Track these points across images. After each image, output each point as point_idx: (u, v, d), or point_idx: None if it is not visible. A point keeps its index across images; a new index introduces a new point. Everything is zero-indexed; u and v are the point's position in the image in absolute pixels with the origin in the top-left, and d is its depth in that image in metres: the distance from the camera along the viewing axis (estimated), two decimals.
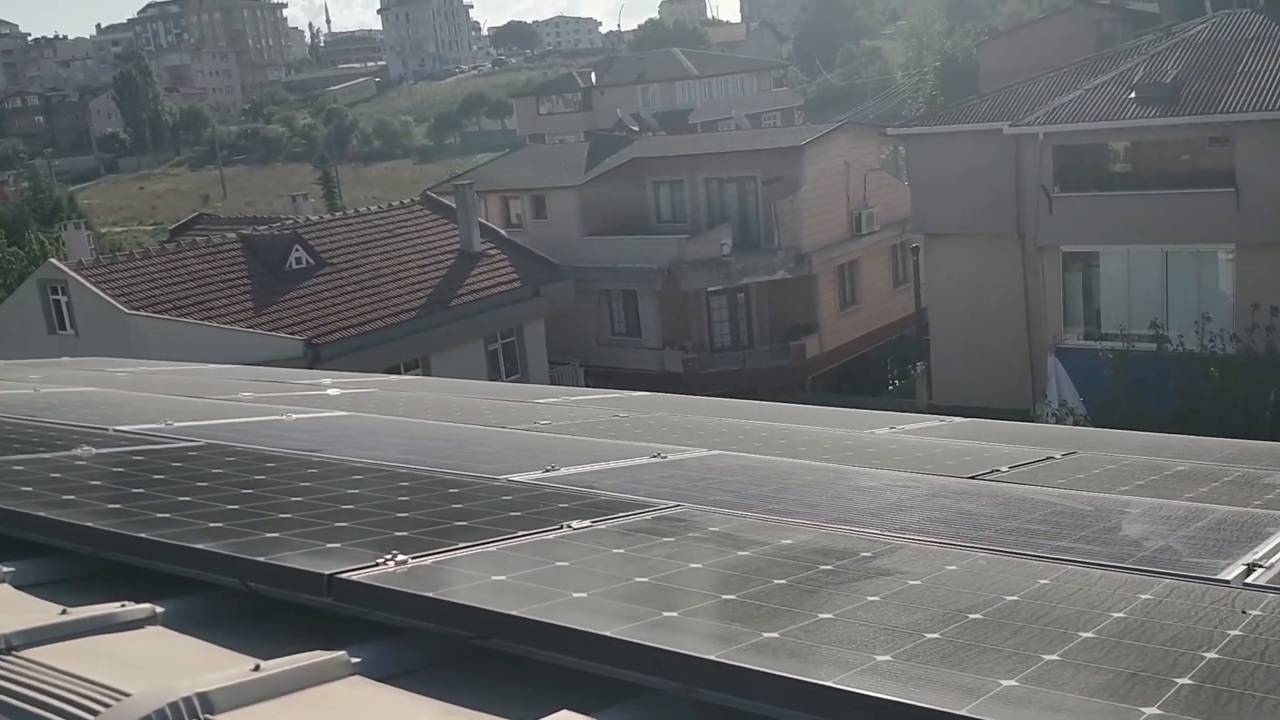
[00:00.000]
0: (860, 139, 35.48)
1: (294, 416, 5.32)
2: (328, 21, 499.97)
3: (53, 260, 27.44)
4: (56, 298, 25.94)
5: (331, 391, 6.86)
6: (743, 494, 3.45)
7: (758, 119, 61.76)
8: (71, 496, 3.05)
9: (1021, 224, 26.36)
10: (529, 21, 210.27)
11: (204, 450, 4.09)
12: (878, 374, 36.25)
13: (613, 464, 3.92)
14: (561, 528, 2.76)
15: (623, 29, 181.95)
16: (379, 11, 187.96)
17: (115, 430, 4.56)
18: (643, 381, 33.61)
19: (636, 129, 47.26)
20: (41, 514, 2.80)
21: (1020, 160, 25.94)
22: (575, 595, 2.15)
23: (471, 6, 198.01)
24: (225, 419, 5.14)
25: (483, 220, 32.61)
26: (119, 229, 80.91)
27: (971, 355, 27.35)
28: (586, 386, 32.69)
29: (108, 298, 24.99)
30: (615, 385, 33.76)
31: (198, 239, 30.39)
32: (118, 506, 2.95)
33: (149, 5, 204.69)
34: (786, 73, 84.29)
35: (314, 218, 32.78)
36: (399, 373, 27.67)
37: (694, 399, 6.94)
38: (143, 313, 24.96)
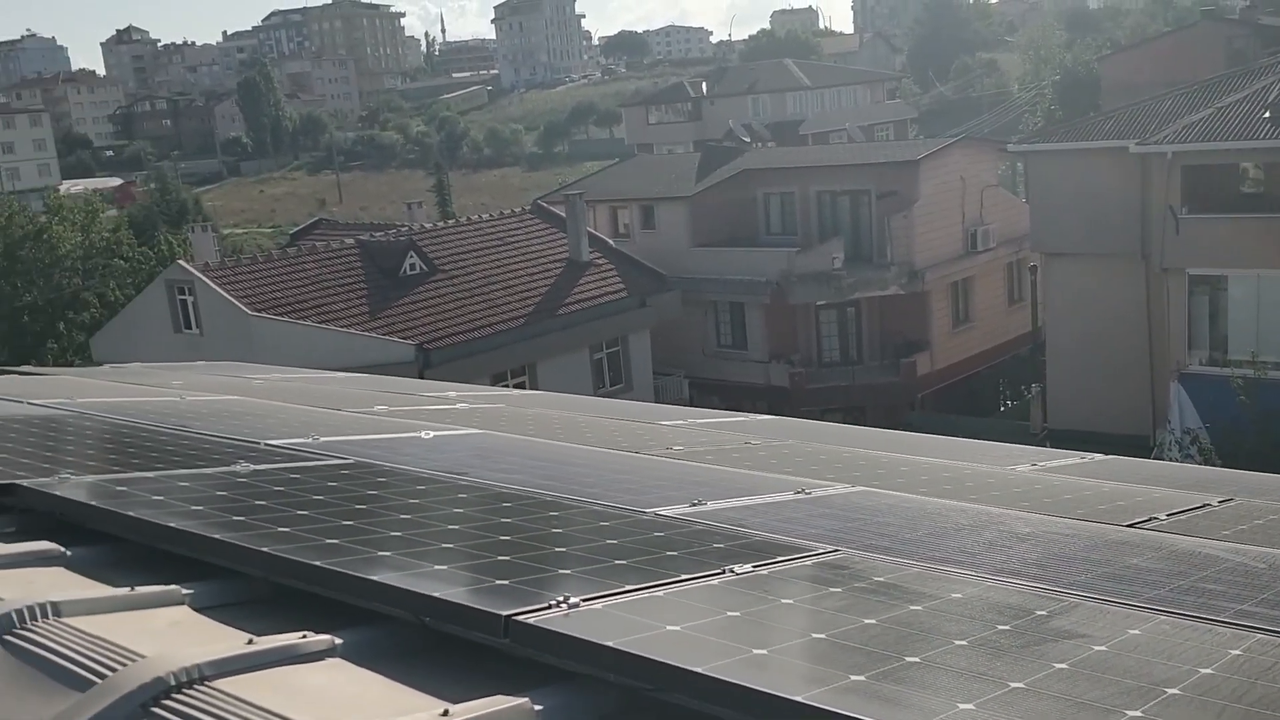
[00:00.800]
0: (977, 154, 34.87)
1: (431, 434, 5.40)
2: (443, 31, 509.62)
3: (180, 262, 28.39)
4: (183, 297, 26.83)
5: (460, 406, 6.95)
6: (898, 538, 3.39)
7: (870, 131, 61.13)
8: (241, 518, 3.12)
9: (1146, 245, 25.60)
10: (640, 31, 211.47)
11: (355, 469, 4.17)
12: (989, 394, 35.57)
13: (757, 499, 3.89)
14: (724, 572, 2.73)
15: (734, 38, 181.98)
16: (493, 21, 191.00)
17: (266, 445, 4.67)
18: (748, 395, 33.52)
19: (748, 140, 47.10)
20: (218, 536, 2.86)
21: (1146, 180, 25.20)
22: (756, 652, 2.12)
23: (584, 16, 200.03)
24: (367, 434, 5.23)
25: (591, 230, 32.84)
26: (240, 231, 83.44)
27: (1089, 378, 26.65)
28: (691, 398, 32.66)
29: (232, 299, 25.76)
30: (720, 398, 33.68)
31: (317, 244, 31.15)
32: (287, 530, 3.01)
33: (273, 14, 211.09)
34: (900, 85, 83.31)
35: (428, 225, 33.36)
36: (505, 379, 28.04)
37: (823, 425, 6.86)
38: (264, 314, 25.67)
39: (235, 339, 25.57)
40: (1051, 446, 25.12)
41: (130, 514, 3.08)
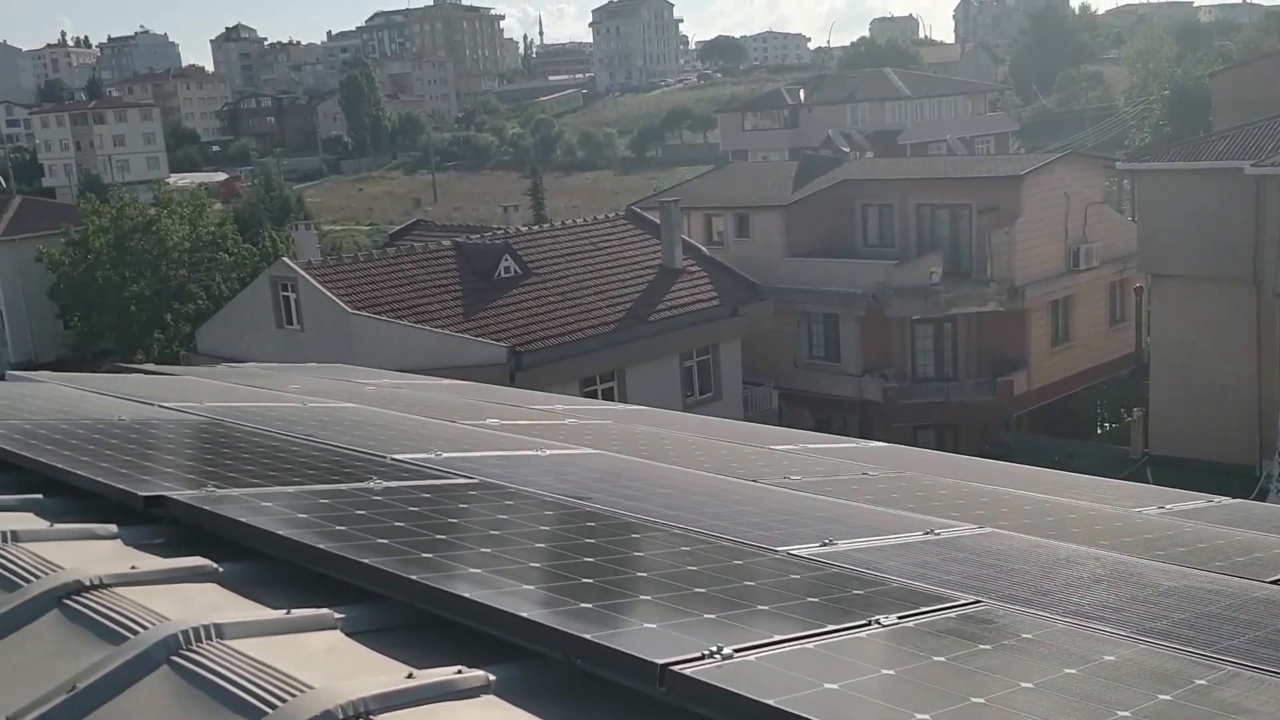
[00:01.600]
0: (1083, 170, 34.13)
1: (547, 452, 5.44)
2: (540, 33, 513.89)
3: (284, 259, 29.05)
4: (286, 294, 27.44)
5: (569, 422, 6.99)
6: (1037, 588, 3.32)
7: (970, 143, 60.22)
8: (385, 540, 3.18)
9: (1258, 270, 24.83)
10: (737, 36, 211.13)
11: (481, 490, 4.22)
12: (1087, 416, 34.80)
13: (887, 539, 3.85)
14: (870, 624, 2.71)
15: (832, 45, 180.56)
16: (590, 24, 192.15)
17: (392, 459, 4.75)
18: (840, 408, 33.25)
19: (846, 149, 46.72)
20: (367, 561, 2.92)
21: (1261, 202, 24.43)
22: (919, 717, 2.09)
23: (681, 21, 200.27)
24: (485, 450, 5.29)
25: (685, 237, 32.84)
26: (338, 228, 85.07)
27: (1193, 404, 25.91)
28: (781, 410, 32.48)
29: (332, 296, 26.28)
30: (810, 410, 33.47)
31: (415, 245, 31.63)
32: (430, 556, 3.06)
33: (376, 14, 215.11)
34: (1001, 96, 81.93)
35: (523, 228, 33.68)
36: (595, 384, 28.16)
37: (937, 456, 6.76)
38: (363, 313, 26.14)
39: (334, 336, 26.10)
40: (1152, 472, 24.49)
41: (281, 534, 3.15)
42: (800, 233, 33.56)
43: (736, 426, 7.54)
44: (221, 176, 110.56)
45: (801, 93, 72.39)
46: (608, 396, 28.12)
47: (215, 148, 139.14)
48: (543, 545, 3.36)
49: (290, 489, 3.89)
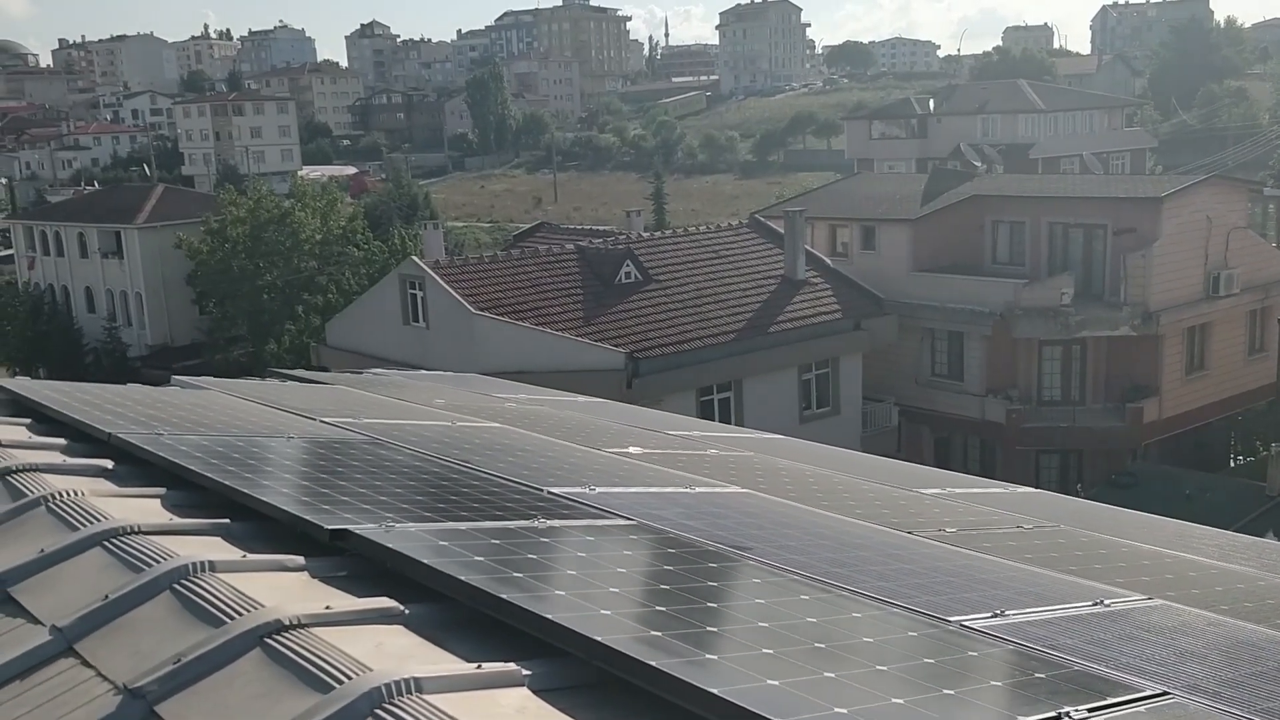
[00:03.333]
0: (1226, 193, 32.91)
1: (697, 489, 5.47)
2: (666, 35, 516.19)
3: (414, 258, 29.68)
4: (414, 292, 28.03)
5: (711, 453, 7.01)
6: (1224, 678, 3.23)
7: (1105, 159, 58.57)
8: (562, 592, 3.23)
9: None
10: (865, 42, 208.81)
11: (640, 534, 4.26)
12: (1218, 448, 33.55)
13: (1057, 610, 3.77)
14: (1060, 718, 2.66)
15: (962, 53, 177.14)
16: (717, 27, 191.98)
17: (549, 493, 4.83)
18: (961, 428, 32.65)
19: (977, 163, 45.83)
20: (551, 618, 2.97)
21: None
22: None
23: (808, 25, 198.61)
24: (636, 486, 5.33)
25: (809, 247, 32.57)
26: (460, 224, 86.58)
27: None
28: (900, 427, 32.01)
29: (458, 297, 26.75)
30: (930, 429, 32.93)
31: (538, 247, 32.01)
32: (609, 614, 3.08)
33: (505, 14, 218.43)
34: (1139, 111, 79.44)
35: (645, 234, 33.83)
36: (711, 393, 28.09)
37: (1088, 506, 6.61)
38: (486, 314, 26.55)
39: (458, 335, 26.58)
40: None
41: (463, 579, 3.23)
42: (927, 247, 33.03)
43: (878, 464, 7.46)
44: (351, 171, 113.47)
45: (931, 102, 71.22)
46: (724, 407, 28.09)
47: (346, 142, 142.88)
48: (714, 606, 3.37)
49: (462, 525, 3.98)
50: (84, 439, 5.20)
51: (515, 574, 3.41)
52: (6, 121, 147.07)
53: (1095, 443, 31.02)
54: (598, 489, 5.06)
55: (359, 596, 3.31)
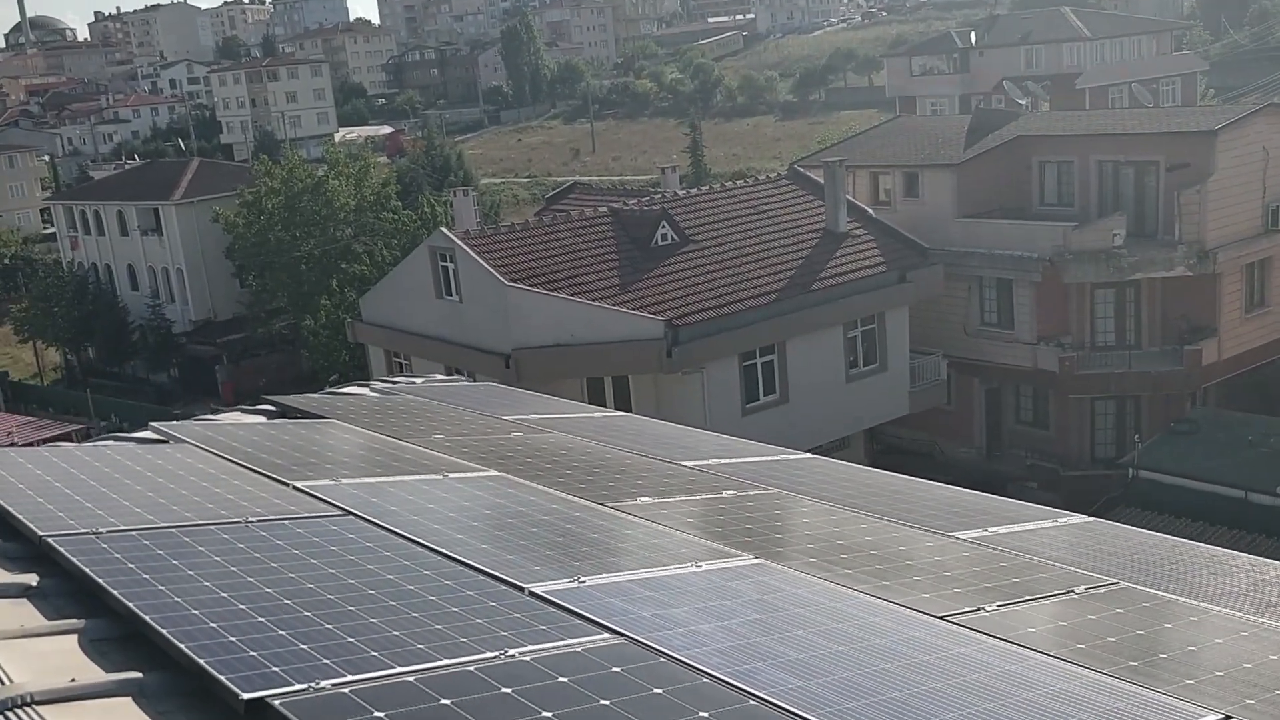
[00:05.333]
0: None
1: (703, 566, 4.86)
2: None
3: (443, 229, 29.10)
4: (445, 264, 27.48)
5: (727, 494, 6.39)
6: None
7: (1155, 88, 56.50)
8: None
9: None
10: None
11: (620, 663, 3.66)
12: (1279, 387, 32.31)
13: None
14: None
15: None
16: None
17: (531, 593, 4.25)
18: (1012, 377, 31.70)
19: (1022, 100, 44.29)
20: None
21: None
22: None
23: None
24: (629, 571, 4.75)
25: (850, 197, 31.57)
26: (497, 180, 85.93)
27: None
28: (950, 380, 31.10)
29: (490, 268, 26.17)
30: (980, 380, 32.00)
31: (570, 211, 31.32)
32: None
33: None
34: (1188, 33, 76.62)
35: (681, 192, 32.99)
36: (754, 357, 27.34)
37: (1148, 544, 5.90)
38: (520, 285, 25.96)
39: (492, 308, 26.06)
40: None
41: None
42: (973, 192, 31.90)
43: (909, 491, 6.80)
44: (387, 130, 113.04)
45: (972, 35, 68.97)
46: (767, 371, 27.42)
47: (381, 101, 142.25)
48: None
49: (410, 675, 3.40)
50: (17, 536, 4.70)
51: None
52: (47, 98, 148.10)
53: (1152, 388, 29.99)
54: (588, 581, 4.47)
55: None
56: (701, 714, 3.29)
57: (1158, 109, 41.98)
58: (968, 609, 4.48)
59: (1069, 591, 4.86)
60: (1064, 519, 6.28)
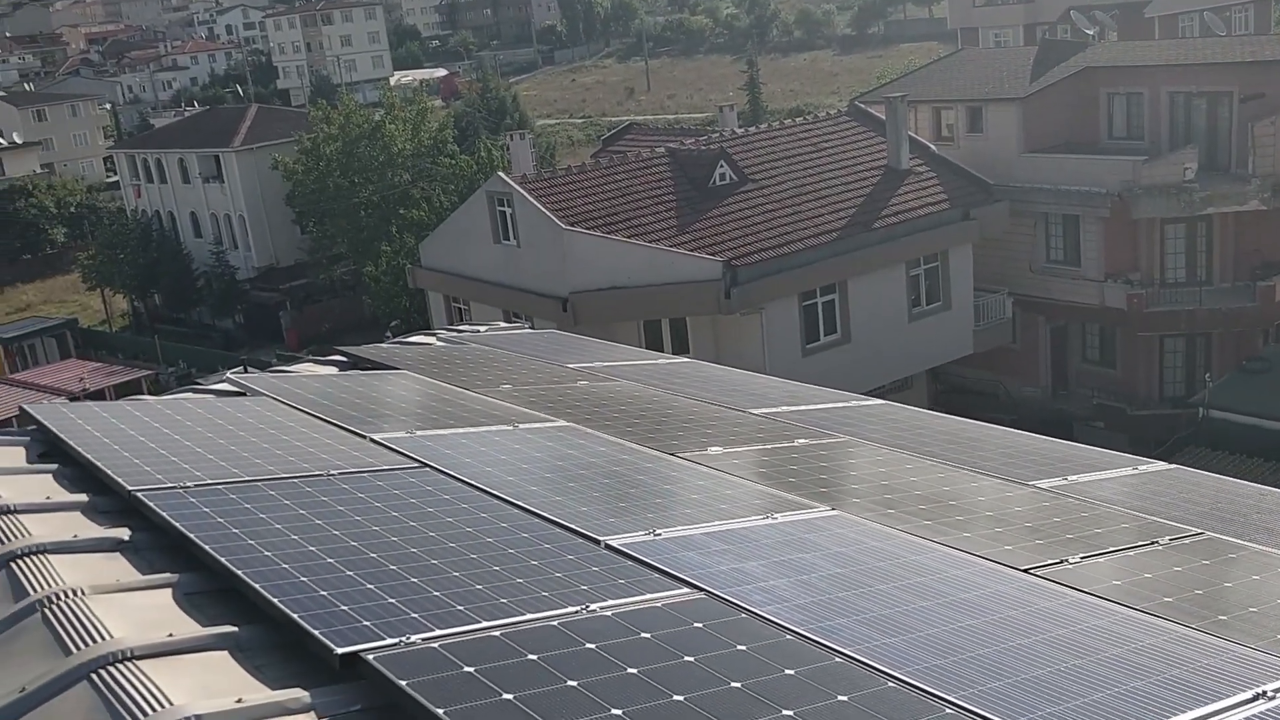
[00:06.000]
0: None
1: (779, 518, 4.85)
2: None
3: (500, 174, 29.07)
4: (502, 209, 27.50)
5: (799, 443, 6.36)
6: None
7: (1226, 14, 54.56)
8: None
9: None
10: None
11: (705, 618, 3.67)
12: None
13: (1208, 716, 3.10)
14: None
15: None
16: None
17: (607, 545, 4.27)
18: (1078, 315, 31.17)
19: (1089, 31, 43.05)
20: None
21: None
22: None
23: None
24: (705, 523, 4.75)
25: (912, 133, 31.02)
26: (552, 122, 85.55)
27: None
28: (1014, 318, 30.66)
29: (547, 212, 26.14)
30: (1047, 318, 31.50)
31: (627, 153, 31.13)
32: None
33: None
34: None
35: (739, 130, 32.60)
36: (814, 296, 27.11)
37: (1231, 491, 5.79)
38: (577, 228, 25.92)
39: (550, 252, 26.07)
40: None
41: None
42: (1039, 126, 31.18)
43: (984, 438, 6.72)
44: (441, 73, 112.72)
45: None
46: (828, 311, 27.21)
47: (435, 43, 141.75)
48: None
49: (496, 630, 3.44)
50: (107, 491, 4.81)
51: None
52: (107, 46, 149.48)
53: (1223, 325, 29.34)
54: (663, 534, 4.48)
55: None
56: (786, 671, 3.29)
57: (1230, 37, 40.59)
58: (1051, 561, 4.43)
59: (1153, 542, 4.79)
60: (1145, 466, 6.18)
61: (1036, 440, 6.67)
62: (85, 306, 58.81)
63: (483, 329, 10.47)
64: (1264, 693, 3.32)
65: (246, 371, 10.17)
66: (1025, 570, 4.31)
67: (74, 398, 35.66)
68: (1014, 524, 4.95)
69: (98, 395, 37.05)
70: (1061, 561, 4.44)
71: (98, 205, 69.77)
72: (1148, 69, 30.44)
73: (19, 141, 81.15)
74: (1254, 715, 3.18)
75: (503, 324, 11.31)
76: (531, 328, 13.31)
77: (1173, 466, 6.26)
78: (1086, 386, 31.47)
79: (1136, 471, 6.04)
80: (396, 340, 9.73)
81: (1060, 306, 31.10)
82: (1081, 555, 4.53)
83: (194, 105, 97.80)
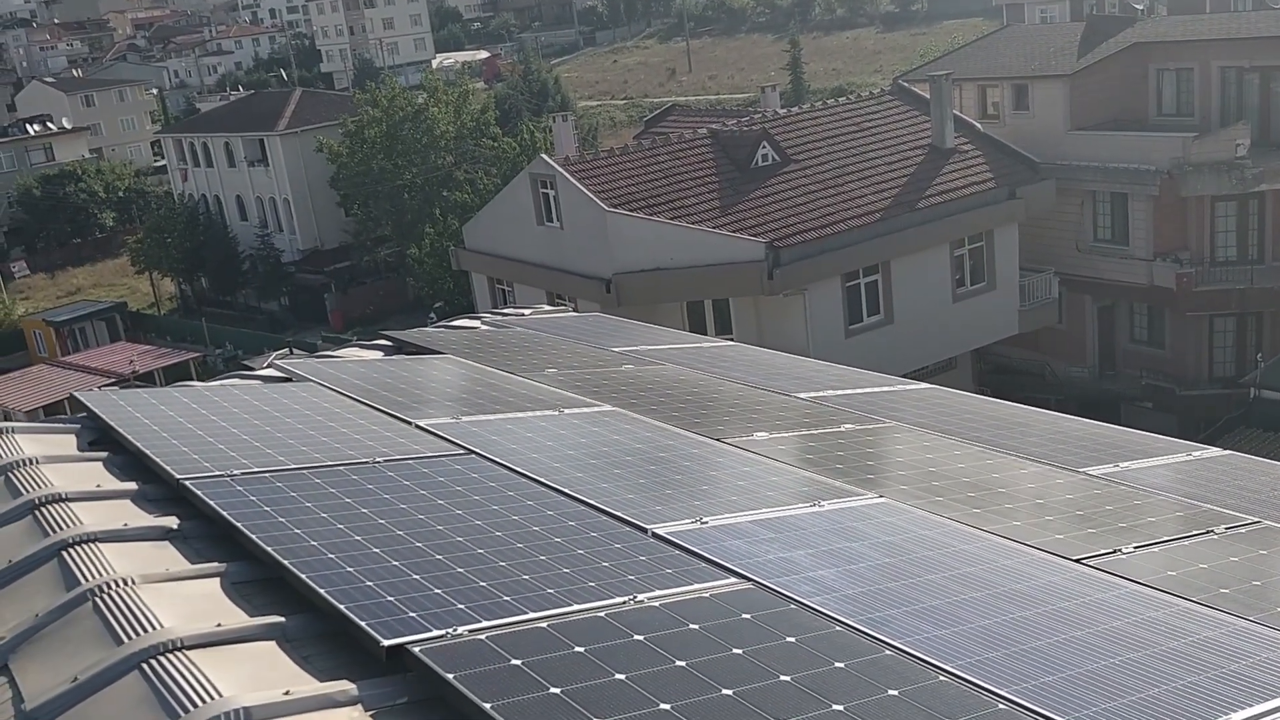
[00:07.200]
0: None
1: (825, 505, 4.80)
2: None
3: (543, 156, 29.06)
4: (545, 191, 27.50)
5: (845, 428, 6.30)
6: None
7: None
8: None
9: None
10: None
11: (750, 608, 3.64)
12: None
13: None
14: None
15: None
16: None
17: (654, 534, 4.25)
18: (1126, 295, 30.72)
19: (1139, 6, 42.26)
20: None
21: None
22: None
23: None
24: (757, 511, 4.71)
25: (957, 112, 30.63)
26: (594, 103, 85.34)
27: None
28: (1061, 297, 30.27)
29: (590, 194, 26.11)
30: (1093, 298, 31.07)
31: (670, 134, 31.00)
32: None
33: None
34: None
35: (781, 110, 32.35)
36: (857, 278, 26.90)
37: None
38: (619, 210, 25.87)
39: (593, 234, 26.05)
40: None
41: None
42: (1086, 104, 30.69)
43: (1030, 422, 6.63)
44: (484, 55, 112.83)
45: None
46: (871, 292, 27.00)
47: (476, 25, 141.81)
48: None
49: (542, 621, 3.43)
50: (156, 479, 4.85)
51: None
52: (153, 31, 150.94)
53: (1275, 304, 28.81)
54: (710, 522, 4.45)
55: None
56: (837, 664, 3.26)
57: None
58: (1104, 551, 4.36)
59: (1208, 531, 4.69)
60: (1198, 452, 6.07)
61: (1086, 425, 6.57)
62: (134, 290, 59.62)
63: (527, 312, 10.47)
64: None
65: (292, 354, 10.23)
66: (1077, 560, 4.24)
67: (124, 380, 36.18)
68: (1064, 512, 4.87)
69: (147, 377, 37.57)
70: (1114, 551, 4.36)
71: (145, 189, 70.66)
72: (1198, 44, 29.86)
73: (68, 127, 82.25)
74: None
75: (546, 307, 11.31)
76: (575, 309, 13.36)
77: (1227, 453, 6.14)
78: (1134, 367, 31.04)
79: (1190, 458, 5.93)
80: (441, 324, 9.75)
81: (1108, 286, 30.67)
82: (1135, 545, 4.45)
83: (239, 89, 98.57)
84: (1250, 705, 3.09)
